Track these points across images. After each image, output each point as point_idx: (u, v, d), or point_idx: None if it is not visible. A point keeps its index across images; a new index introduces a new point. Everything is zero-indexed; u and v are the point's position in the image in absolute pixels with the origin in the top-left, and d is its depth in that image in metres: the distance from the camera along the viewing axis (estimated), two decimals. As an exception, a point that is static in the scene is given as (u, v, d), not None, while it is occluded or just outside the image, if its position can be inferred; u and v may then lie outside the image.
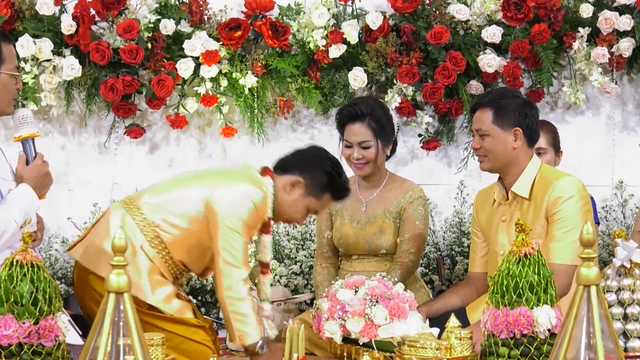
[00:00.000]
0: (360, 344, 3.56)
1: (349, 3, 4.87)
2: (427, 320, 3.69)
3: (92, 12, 4.69)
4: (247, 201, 3.56)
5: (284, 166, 3.75)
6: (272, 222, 3.75)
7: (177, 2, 4.83)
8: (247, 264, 3.58)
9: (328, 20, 4.77)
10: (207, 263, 3.71)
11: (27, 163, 3.47)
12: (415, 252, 4.17)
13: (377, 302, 3.56)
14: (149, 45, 4.72)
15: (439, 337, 3.37)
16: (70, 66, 4.66)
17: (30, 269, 2.60)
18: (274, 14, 4.85)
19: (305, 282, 4.83)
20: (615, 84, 4.89)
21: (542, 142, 4.24)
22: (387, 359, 3.48)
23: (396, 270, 4.10)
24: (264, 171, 3.72)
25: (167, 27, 4.74)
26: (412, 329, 3.49)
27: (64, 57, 4.71)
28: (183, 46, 4.73)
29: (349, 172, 4.29)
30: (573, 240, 3.62)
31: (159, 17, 4.78)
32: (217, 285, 3.56)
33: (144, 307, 3.53)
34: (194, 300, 4.59)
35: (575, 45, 4.80)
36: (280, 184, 3.69)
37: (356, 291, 3.63)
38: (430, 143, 4.95)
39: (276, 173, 3.72)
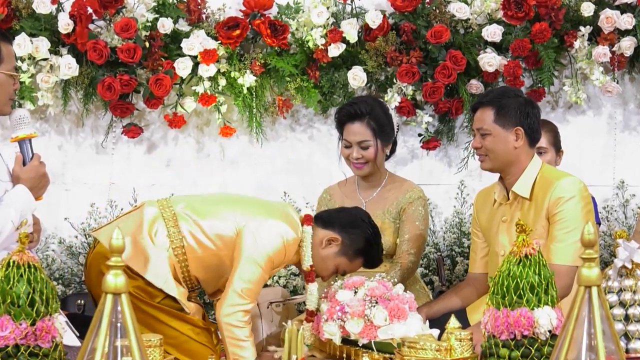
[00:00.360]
0: (360, 345, 3.53)
1: (349, 2, 4.85)
2: (427, 322, 3.66)
3: (90, 10, 4.67)
4: (278, 238, 3.57)
5: (325, 220, 3.74)
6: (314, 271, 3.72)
7: (175, 1, 4.81)
8: (255, 299, 3.59)
9: (327, 19, 4.75)
10: (220, 286, 3.70)
11: (24, 164, 3.44)
12: (415, 253, 4.14)
13: (376, 303, 3.53)
14: (147, 44, 4.70)
15: (439, 338, 3.35)
16: (68, 65, 4.64)
17: (27, 269, 2.58)
18: (273, 12, 4.83)
19: (304, 283, 4.79)
20: (617, 83, 4.87)
21: (543, 141, 4.21)
22: (387, 360, 3.46)
23: (396, 271, 4.07)
24: (306, 219, 3.70)
25: (165, 25, 4.72)
26: (412, 330, 3.46)
27: (61, 56, 4.69)
28: (181, 45, 4.71)
29: (348, 172, 4.28)
30: (574, 241, 3.58)
31: (156, 15, 4.75)
32: (218, 308, 3.55)
33: (155, 301, 3.53)
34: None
35: (577, 44, 4.78)
36: (318, 236, 3.68)
37: (355, 292, 3.61)
38: (430, 143, 4.94)
39: (316, 224, 3.71)
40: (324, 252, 3.68)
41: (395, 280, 3.90)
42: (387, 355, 3.46)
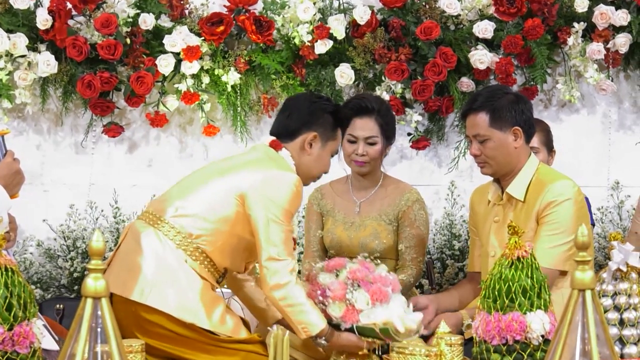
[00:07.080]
0: (342, 329, 3.40)
1: (336, -3, 4.87)
2: (411, 305, 3.51)
3: (69, 6, 4.62)
4: (283, 187, 3.38)
5: (287, 132, 3.57)
6: None
7: (156, -4, 4.79)
8: (292, 254, 3.41)
9: (314, 15, 4.73)
10: (247, 259, 3.55)
11: (-3, 161, 3.37)
12: (422, 259, 4.15)
13: (358, 286, 3.41)
14: (128, 41, 4.67)
15: (427, 340, 3.35)
16: (46, 62, 4.58)
17: (4, 273, 2.53)
18: (258, 8, 4.80)
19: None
20: (612, 81, 4.85)
21: (535, 141, 4.14)
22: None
23: (410, 273, 4.03)
24: (275, 145, 3.54)
25: (147, 21, 4.69)
26: (395, 314, 3.34)
27: (40, 52, 4.63)
28: (163, 41, 4.68)
29: (348, 169, 4.15)
30: (559, 244, 3.54)
31: (138, 11, 4.72)
32: (263, 283, 3.36)
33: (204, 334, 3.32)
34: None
35: (570, 40, 4.76)
36: (296, 148, 3.55)
37: (337, 275, 3.48)
38: (419, 142, 4.90)
39: (284, 142, 3.56)
40: (313, 154, 3.56)
41: (412, 280, 4.02)
42: (370, 340, 3.34)
